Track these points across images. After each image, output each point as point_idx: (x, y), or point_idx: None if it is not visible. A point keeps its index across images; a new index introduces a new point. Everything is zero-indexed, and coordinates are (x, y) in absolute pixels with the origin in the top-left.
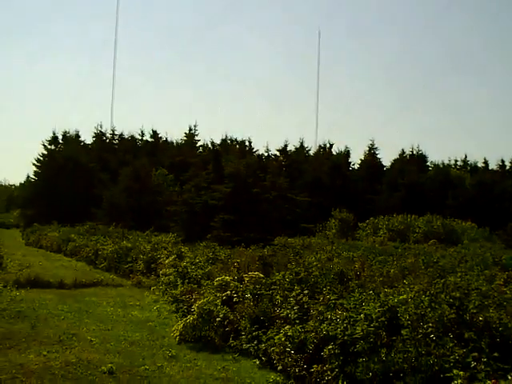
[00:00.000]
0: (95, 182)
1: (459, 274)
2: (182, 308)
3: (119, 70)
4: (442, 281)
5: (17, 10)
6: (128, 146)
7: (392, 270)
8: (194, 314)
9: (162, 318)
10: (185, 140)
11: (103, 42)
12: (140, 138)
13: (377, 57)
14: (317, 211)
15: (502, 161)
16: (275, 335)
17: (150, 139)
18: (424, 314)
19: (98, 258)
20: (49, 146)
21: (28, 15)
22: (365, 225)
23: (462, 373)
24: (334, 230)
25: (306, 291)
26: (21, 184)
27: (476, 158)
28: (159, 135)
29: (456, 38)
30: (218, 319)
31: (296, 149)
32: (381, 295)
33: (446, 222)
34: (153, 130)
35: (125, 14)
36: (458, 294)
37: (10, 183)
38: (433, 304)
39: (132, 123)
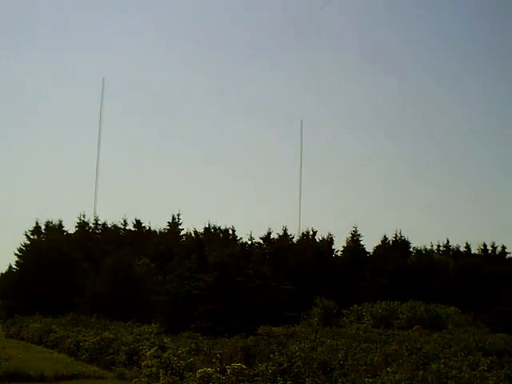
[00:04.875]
0: (78, 272)
1: (443, 360)
2: None
3: (103, 158)
4: (421, 373)
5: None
6: (111, 235)
7: (376, 358)
8: None
9: None
10: (168, 229)
11: (86, 130)
12: (123, 227)
13: (361, 144)
14: (301, 299)
15: (484, 245)
16: None
17: (133, 228)
18: None
19: (80, 350)
20: (31, 236)
21: (16, 106)
22: (349, 312)
23: None
24: (316, 318)
25: (289, 382)
26: (2, 274)
27: (458, 242)
28: (142, 224)
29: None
30: None
31: (279, 236)
32: None
33: (429, 308)
34: (136, 220)
35: (109, 100)
36: None
37: None
38: None
39: (115, 212)
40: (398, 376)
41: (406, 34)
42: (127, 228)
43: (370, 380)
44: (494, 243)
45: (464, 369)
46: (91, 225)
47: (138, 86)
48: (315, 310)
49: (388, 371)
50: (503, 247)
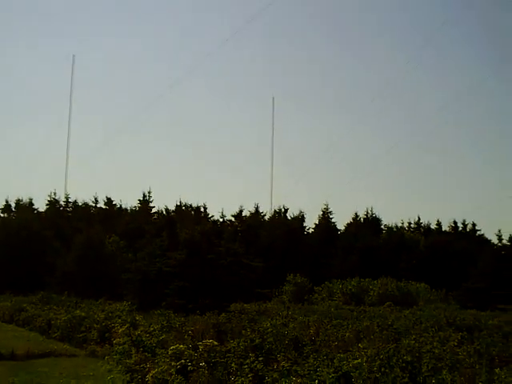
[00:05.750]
0: (48, 250)
1: (413, 336)
2: (136, 378)
3: (73, 136)
4: (393, 345)
5: None
6: (82, 213)
7: (347, 334)
8: None
9: None
10: (139, 207)
11: (56, 108)
12: (94, 205)
13: (332, 122)
14: (272, 276)
15: (455, 222)
16: None
17: (103, 206)
18: (377, 378)
19: (52, 328)
20: (1, 215)
21: None
22: (320, 289)
23: None
24: (288, 295)
25: (260, 358)
26: None
27: (429, 219)
28: (113, 202)
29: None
30: None
31: (251, 214)
32: (334, 360)
33: (400, 285)
34: (107, 197)
35: (80, 74)
36: (409, 358)
37: None
38: (383, 369)
39: (86, 190)
40: (370, 351)
41: (376, 15)
42: (98, 206)
43: (341, 355)
44: (464, 220)
45: (435, 344)
46: (62, 203)
47: (109, 64)
48: (287, 286)
49: (359, 347)
50: (474, 224)
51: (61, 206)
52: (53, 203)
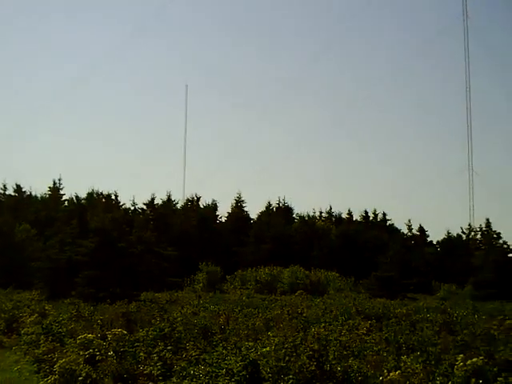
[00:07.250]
0: None
1: (323, 324)
2: (44, 368)
3: None
4: (301, 334)
5: None
6: None
7: (257, 323)
8: (55, 374)
9: (22, 379)
10: (49, 194)
11: None
12: (2, 192)
13: (247, 111)
14: (185, 265)
15: (366, 212)
16: None
17: (13, 194)
18: (285, 366)
19: None
20: None
21: None
22: (233, 277)
23: None
24: (201, 284)
25: (169, 347)
26: None
27: (340, 209)
28: (23, 189)
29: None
30: (80, 378)
31: (163, 202)
32: (242, 349)
33: (309, 274)
34: (16, 184)
35: None
36: (316, 346)
37: None
38: (290, 357)
39: None
40: (277, 339)
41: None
42: (7, 193)
43: (250, 344)
44: (375, 210)
45: (343, 332)
46: None
47: (22, 45)
48: (199, 275)
49: (269, 335)
50: (384, 214)
51: None
52: None
